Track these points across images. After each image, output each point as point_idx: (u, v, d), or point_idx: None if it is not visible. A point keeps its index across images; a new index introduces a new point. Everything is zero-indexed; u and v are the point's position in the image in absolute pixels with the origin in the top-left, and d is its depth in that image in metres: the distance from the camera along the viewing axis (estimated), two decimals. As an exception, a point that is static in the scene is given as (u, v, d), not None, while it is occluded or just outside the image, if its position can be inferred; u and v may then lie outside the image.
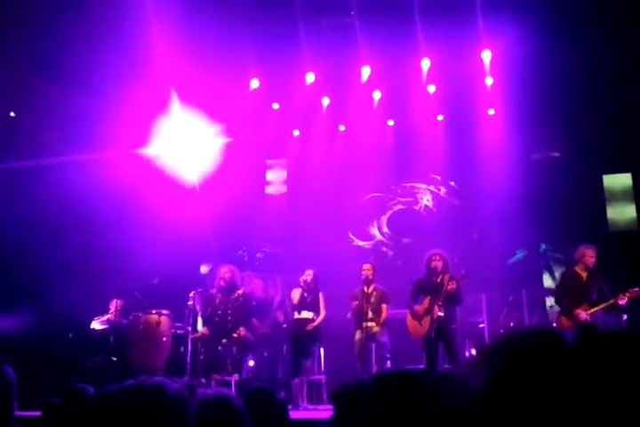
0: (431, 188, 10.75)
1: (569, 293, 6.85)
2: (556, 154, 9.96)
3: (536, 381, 0.52)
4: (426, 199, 10.76)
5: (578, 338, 0.55)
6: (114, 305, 8.55)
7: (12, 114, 9.41)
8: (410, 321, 7.15)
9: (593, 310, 6.53)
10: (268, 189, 11.54)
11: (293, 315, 7.67)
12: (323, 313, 7.63)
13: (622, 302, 6.39)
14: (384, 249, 10.69)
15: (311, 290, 7.64)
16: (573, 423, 0.49)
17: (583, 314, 6.52)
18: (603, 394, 0.50)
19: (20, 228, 8.51)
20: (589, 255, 6.77)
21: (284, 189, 11.44)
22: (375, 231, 10.87)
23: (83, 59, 8.39)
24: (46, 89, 9.16)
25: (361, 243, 10.84)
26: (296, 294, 7.64)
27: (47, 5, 7.75)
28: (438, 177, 10.62)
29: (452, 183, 10.57)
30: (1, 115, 9.23)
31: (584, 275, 6.79)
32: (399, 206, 10.85)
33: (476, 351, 0.59)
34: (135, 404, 1.33)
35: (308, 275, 7.64)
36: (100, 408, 1.37)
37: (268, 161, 11.63)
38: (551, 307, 8.32)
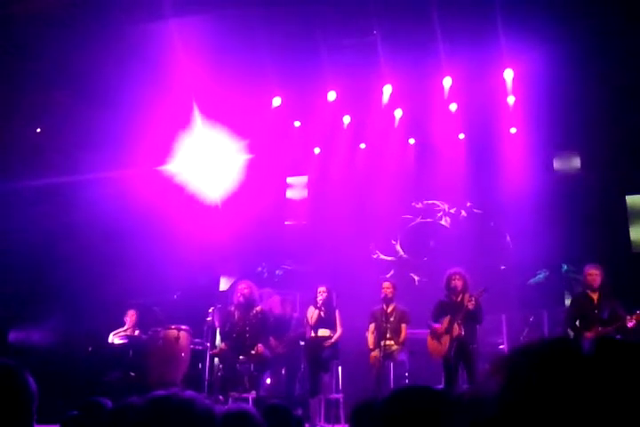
0: (450, 208, 10.70)
1: (580, 316, 6.74)
2: (579, 173, 9.87)
3: (551, 387, 0.52)
4: (446, 217, 10.71)
5: (594, 346, 0.56)
6: (129, 317, 8.61)
7: (37, 130, 9.58)
8: (430, 341, 7.07)
9: (603, 332, 6.42)
10: (289, 207, 11.56)
11: (310, 334, 7.62)
12: (339, 330, 7.57)
13: (630, 324, 6.28)
14: (404, 267, 10.63)
15: (327, 308, 7.60)
16: None
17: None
18: (617, 400, 0.50)
19: (43, 244, 8.61)
20: (590, 273, 6.66)
21: (304, 206, 11.45)
22: (396, 249, 10.82)
23: (107, 76, 8.54)
24: (72, 106, 9.32)
25: (382, 259, 10.79)
26: (312, 313, 7.58)
27: (73, 24, 7.90)
28: (459, 196, 10.57)
29: (472, 203, 10.52)
30: (28, 132, 9.40)
31: (594, 297, 6.68)
32: (420, 223, 10.81)
33: (492, 363, 0.60)
34: (161, 418, 1.32)
35: (323, 293, 7.58)
36: (124, 420, 1.36)
37: (289, 178, 11.67)
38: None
